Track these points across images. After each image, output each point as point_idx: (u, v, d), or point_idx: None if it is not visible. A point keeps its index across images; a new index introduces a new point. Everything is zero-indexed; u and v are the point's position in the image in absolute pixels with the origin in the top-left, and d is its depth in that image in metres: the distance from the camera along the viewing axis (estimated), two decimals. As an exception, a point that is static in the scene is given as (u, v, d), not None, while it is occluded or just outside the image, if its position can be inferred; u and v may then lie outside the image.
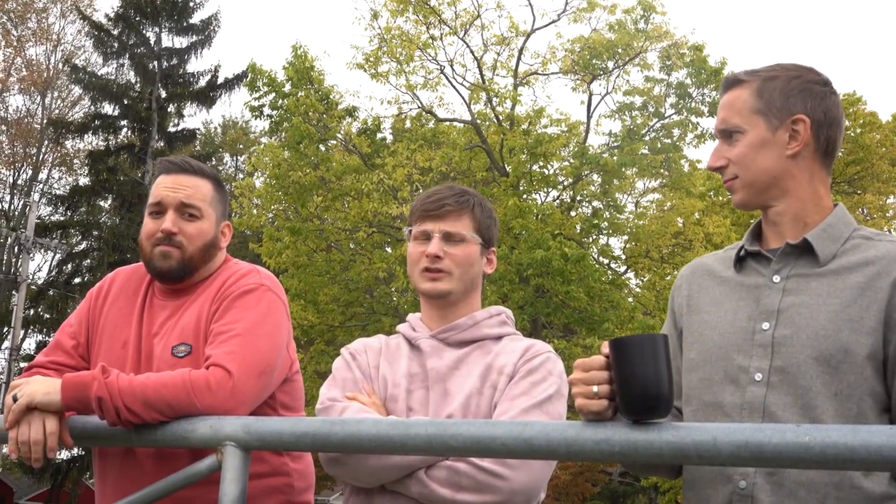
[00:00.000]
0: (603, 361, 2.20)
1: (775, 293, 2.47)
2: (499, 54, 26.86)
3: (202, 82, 34.70)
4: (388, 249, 25.58)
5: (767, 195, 2.54)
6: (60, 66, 41.15)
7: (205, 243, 3.14)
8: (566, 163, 25.56)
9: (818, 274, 2.45)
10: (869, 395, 2.33)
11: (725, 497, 2.40)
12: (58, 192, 37.18)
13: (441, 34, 26.06)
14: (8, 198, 41.78)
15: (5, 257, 39.41)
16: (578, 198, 26.49)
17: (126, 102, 33.78)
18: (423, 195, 2.97)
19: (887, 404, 2.35)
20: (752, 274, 2.55)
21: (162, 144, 33.47)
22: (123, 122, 34.26)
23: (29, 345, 34.04)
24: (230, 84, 34.52)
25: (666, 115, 27.93)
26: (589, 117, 27.50)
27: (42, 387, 2.71)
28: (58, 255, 34.17)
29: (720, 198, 28.31)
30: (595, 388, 2.18)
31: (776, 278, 2.49)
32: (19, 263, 30.41)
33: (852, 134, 31.09)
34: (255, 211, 26.84)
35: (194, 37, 34.81)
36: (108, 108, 34.40)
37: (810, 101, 2.50)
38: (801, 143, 2.49)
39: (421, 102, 26.63)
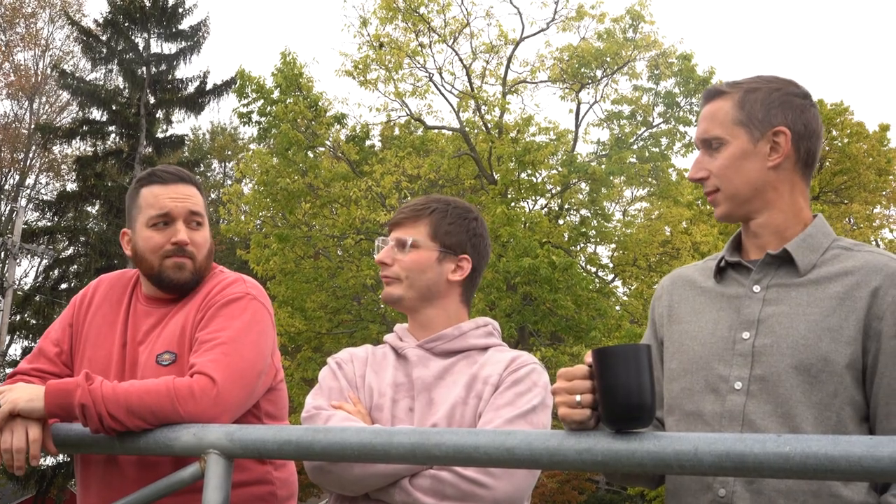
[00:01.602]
0: (586, 371, 2.20)
1: (755, 303, 2.49)
2: (487, 62, 26.95)
3: (191, 88, 34.64)
4: (376, 257, 25.53)
5: (749, 207, 2.55)
6: (49, 71, 41.07)
7: (209, 251, 3.17)
8: (554, 171, 25.61)
9: (798, 284, 2.47)
10: (848, 404, 2.35)
11: None
12: (45, 197, 37.03)
13: (430, 42, 26.13)
14: (-6, 203, 41.65)
15: (-8, 262, 39.28)
16: (566, 206, 26.53)
17: (114, 108, 33.69)
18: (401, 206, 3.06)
19: (866, 413, 2.37)
20: (732, 284, 2.57)
21: (150, 150, 33.39)
22: (111, 128, 34.16)
23: (15, 350, 33.91)
24: (219, 90, 34.48)
25: (654, 123, 28.04)
26: (577, 126, 27.60)
27: (25, 394, 2.71)
28: (45, 261, 34.02)
29: (708, 207, 28.34)
30: (578, 398, 2.19)
31: (756, 288, 2.50)
32: (6, 269, 30.31)
33: (839, 144, 31.19)
34: (242, 217, 26.83)
35: (183, 43, 34.74)
36: (97, 114, 34.30)
37: (791, 114, 2.52)
38: (782, 155, 2.51)
39: (409, 110, 26.69)
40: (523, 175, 24.91)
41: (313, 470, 2.68)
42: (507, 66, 26.85)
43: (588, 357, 2.22)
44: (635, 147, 27.49)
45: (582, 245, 27.25)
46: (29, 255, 33.73)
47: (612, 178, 25.33)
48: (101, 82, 34.78)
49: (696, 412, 2.49)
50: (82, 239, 33.15)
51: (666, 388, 2.60)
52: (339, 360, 2.97)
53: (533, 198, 26.46)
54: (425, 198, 3.04)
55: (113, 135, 34.41)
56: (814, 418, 2.34)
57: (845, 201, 31.43)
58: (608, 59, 26.34)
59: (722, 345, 2.49)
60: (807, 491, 2.30)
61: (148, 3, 34.21)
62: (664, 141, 28.01)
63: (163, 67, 34.51)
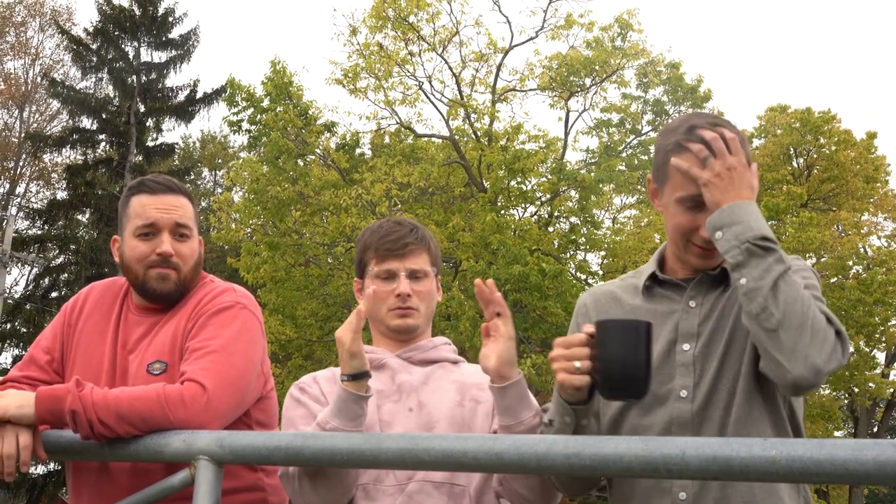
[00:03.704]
0: (585, 338, 2.34)
1: (693, 317, 2.59)
2: (477, 71, 26.98)
3: (181, 97, 34.59)
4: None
5: None
6: (39, 79, 40.94)
7: (196, 262, 3.16)
8: (544, 179, 25.63)
9: (724, 295, 2.60)
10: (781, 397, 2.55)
11: None
12: (35, 205, 36.96)
13: (420, 50, 26.14)
14: (-15, 211, 41.52)
15: (-19, 271, 39.13)
16: (556, 213, 26.57)
17: (104, 117, 33.63)
18: (378, 232, 3.03)
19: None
20: (662, 301, 2.67)
21: (140, 159, 33.33)
22: (102, 137, 34.08)
23: (5, 359, 33.84)
24: (209, 99, 34.43)
25: (643, 131, 28.13)
26: (566, 134, 27.63)
27: (15, 400, 2.71)
28: (35, 269, 33.94)
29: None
30: (577, 364, 2.32)
31: (692, 303, 2.61)
32: (-5, 278, 30.20)
33: (827, 151, 31.30)
34: (233, 225, 26.79)
35: (173, 51, 34.70)
36: (87, 123, 34.23)
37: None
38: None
39: (399, 118, 26.68)
40: (513, 183, 24.93)
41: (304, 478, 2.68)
42: (497, 75, 26.90)
43: (588, 327, 2.34)
44: (624, 155, 27.56)
45: (572, 252, 27.27)
46: (19, 264, 33.66)
47: (601, 185, 25.37)
48: (92, 91, 34.73)
49: (647, 425, 2.55)
50: (73, 247, 33.06)
51: (606, 406, 2.65)
52: (300, 385, 2.98)
53: (523, 205, 26.47)
54: (410, 223, 3.07)
55: (103, 143, 34.32)
56: (765, 420, 2.53)
57: (833, 209, 31.55)
58: (597, 68, 26.39)
59: (661, 358, 2.57)
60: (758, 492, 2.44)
61: (138, 12, 34.16)
62: (653, 149, 28.03)
63: (153, 76, 34.46)
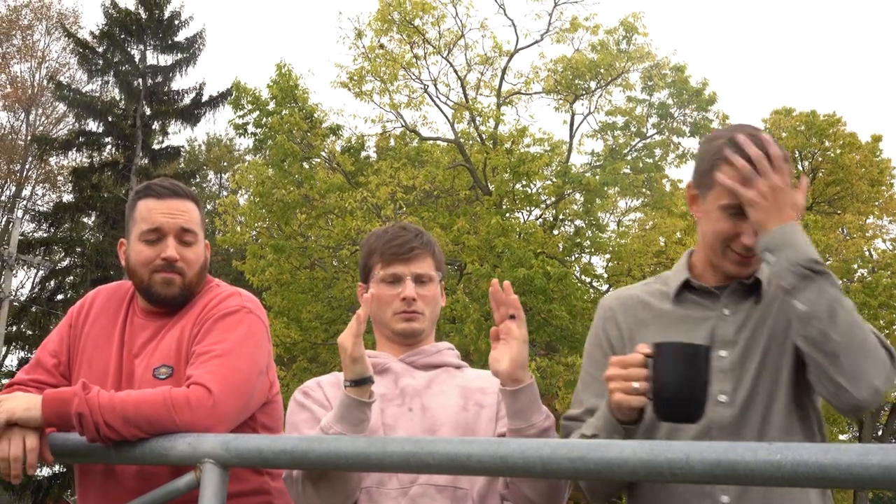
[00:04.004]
0: (642, 360, 2.32)
1: (729, 324, 2.62)
2: (482, 74, 26.99)
3: (187, 100, 34.66)
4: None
5: None
6: (45, 82, 40.99)
7: (201, 267, 3.15)
8: (549, 182, 25.62)
9: (757, 305, 2.64)
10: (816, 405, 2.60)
11: None
12: (41, 208, 36.98)
13: (425, 53, 26.15)
14: (-9, 215, 41.58)
15: (-13, 274, 39.17)
16: (561, 216, 26.54)
17: (110, 120, 33.70)
18: (384, 237, 3.03)
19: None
20: (694, 308, 2.68)
21: (146, 162, 33.40)
22: (107, 140, 34.16)
23: (11, 361, 33.88)
24: (215, 102, 34.49)
25: (648, 134, 28.08)
26: (571, 137, 27.63)
27: (22, 402, 2.72)
28: (41, 272, 33.95)
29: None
30: (636, 385, 2.30)
31: (726, 311, 2.64)
32: (2, 280, 30.18)
33: (832, 154, 31.27)
34: (238, 228, 26.82)
35: (179, 55, 34.76)
36: (93, 126, 34.30)
37: None
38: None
39: (405, 121, 26.71)
40: (518, 186, 24.94)
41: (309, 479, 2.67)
42: (502, 78, 26.91)
43: (643, 347, 2.33)
44: (629, 158, 27.52)
45: (576, 255, 27.26)
46: (25, 267, 33.70)
47: (606, 188, 25.35)
48: (98, 94, 34.82)
49: (683, 428, 2.54)
50: (78, 250, 33.13)
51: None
52: (304, 389, 2.98)
53: (528, 208, 26.48)
54: (415, 228, 3.08)
55: (109, 146, 34.41)
56: (797, 425, 2.56)
57: (838, 212, 31.50)
58: (602, 71, 26.39)
59: None
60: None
61: (144, 16, 34.25)
62: (658, 152, 28.04)
63: (159, 79, 34.53)
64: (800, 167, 31.94)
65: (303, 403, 2.90)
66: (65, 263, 34.28)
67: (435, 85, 26.36)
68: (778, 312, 2.58)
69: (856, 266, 30.00)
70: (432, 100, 26.41)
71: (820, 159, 31.83)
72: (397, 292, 2.95)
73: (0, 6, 41.66)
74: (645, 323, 2.70)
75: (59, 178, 41.41)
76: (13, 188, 41.69)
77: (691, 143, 27.58)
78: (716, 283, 2.67)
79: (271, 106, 24.80)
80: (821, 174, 31.67)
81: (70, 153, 35.34)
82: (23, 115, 42.32)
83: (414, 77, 26.21)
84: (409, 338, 2.98)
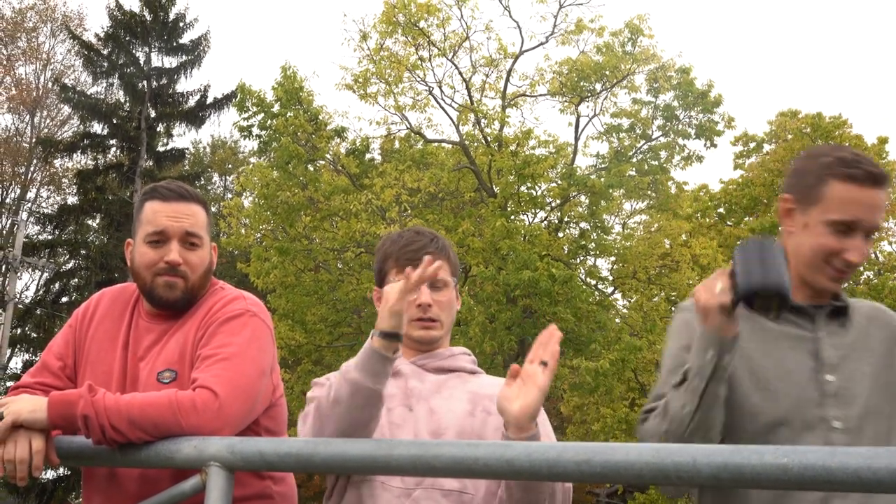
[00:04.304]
0: (723, 271, 2.43)
1: (831, 348, 2.65)
2: (487, 76, 26.97)
3: (191, 102, 34.68)
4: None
5: None
6: (50, 85, 41.08)
7: (205, 271, 3.15)
8: (554, 184, 25.60)
9: (847, 330, 2.70)
10: None
11: None
12: (46, 211, 37.00)
13: (430, 55, 26.15)
14: (-5, 217, 41.64)
15: (-7, 276, 39.25)
16: (566, 219, 26.51)
17: (115, 122, 33.74)
18: (399, 242, 3.02)
19: None
20: (788, 324, 2.69)
21: (151, 164, 33.42)
22: (112, 142, 34.20)
23: (16, 364, 33.85)
24: (219, 104, 34.52)
25: (653, 137, 28.04)
26: (576, 139, 27.60)
27: (28, 405, 2.72)
28: (45, 275, 34.00)
29: (707, 220, 28.38)
30: (719, 286, 2.40)
31: (823, 333, 2.67)
32: (7, 282, 30.29)
33: (838, 157, 31.14)
34: (243, 231, 26.82)
35: (184, 57, 34.80)
36: (97, 128, 34.33)
37: None
38: None
39: (409, 123, 26.71)
40: (523, 188, 24.93)
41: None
42: (507, 80, 26.90)
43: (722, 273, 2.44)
44: (634, 160, 27.47)
45: (581, 258, 27.21)
46: (30, 269, 33.73)
47: (611, 190, 25.31)
48: (102, 96, 34.84)
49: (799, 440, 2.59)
50: (83, 252, 33.16)
51: (742, 421, 2.62)
52: (317, 380, 2.99)
53: (532, 211, 26.45)
54: (430, 233, 3.07)
55: (114, 148, 34.45)
56: None
57: (844, 214, 31.41)
58: (607, 73, 26.36)
59: (810, 385, 2.62)
60: None
61: (149, 18, 34.29)
62: (663, 154, 28.02)
63: (163, 81, 34.56)
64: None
65: (320, 383, 2.91)
66: (69, 266, 34.31)
67: (440, 87, 26.39)
68: (876, 338, 2.67)
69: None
70: (437, 102, 26.45)
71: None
72: (413, 298, 2.92)
73: (5, 8, 41.80)
74: (742, 336, 2.59)
75: (64, 180, 41.49)
76: (18, 190, 41.78)
77: (697, 145, 27.62)
78: (803, 299, 2.69)
79: (276, 108, 24.80)
80: (826, 176, 31.58)
81: (75, 155, 35.39)
82: (28, 117, 42.40)
83: (419, 79, 26.25)
84: (427, 344, 2.98)
